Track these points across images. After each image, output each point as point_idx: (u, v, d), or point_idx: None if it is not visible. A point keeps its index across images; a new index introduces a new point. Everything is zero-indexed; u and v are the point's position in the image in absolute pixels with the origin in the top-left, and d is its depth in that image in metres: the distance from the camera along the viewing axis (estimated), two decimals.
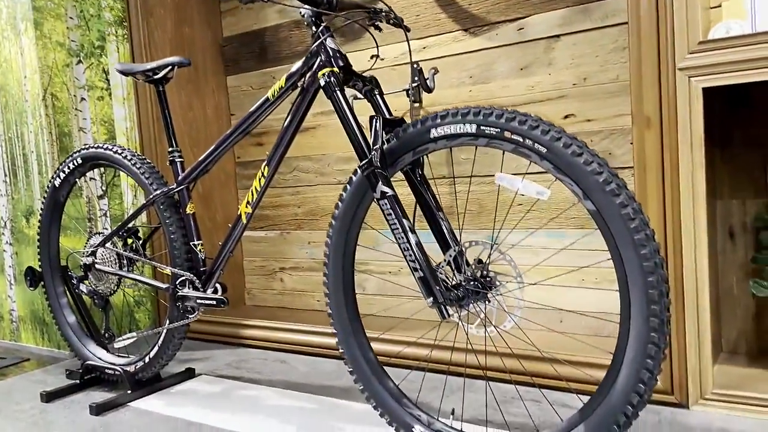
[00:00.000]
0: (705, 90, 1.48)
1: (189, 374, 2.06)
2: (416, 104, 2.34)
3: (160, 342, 1.83)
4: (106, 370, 1.96)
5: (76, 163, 1.98)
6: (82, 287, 1.95)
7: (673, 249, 1.56)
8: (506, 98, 2.16)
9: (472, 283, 1.31)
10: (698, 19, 1.47)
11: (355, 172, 1.41)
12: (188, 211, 1.75)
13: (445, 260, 1.34)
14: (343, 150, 2.56)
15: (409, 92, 2.33)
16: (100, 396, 1.92)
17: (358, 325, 1.48)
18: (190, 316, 1.73)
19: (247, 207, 1.61)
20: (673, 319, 1.57)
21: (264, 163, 1.57)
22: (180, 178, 1.76)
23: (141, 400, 1.88)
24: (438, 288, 1.25)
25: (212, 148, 1.68)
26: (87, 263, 1.93)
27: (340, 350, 1.49)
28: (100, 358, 2.01)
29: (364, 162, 1.31)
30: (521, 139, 1.18)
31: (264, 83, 2.78)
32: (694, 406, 1.57)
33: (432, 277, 1.26)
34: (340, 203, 1.44)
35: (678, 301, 1.56)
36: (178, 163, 1.78)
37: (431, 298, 1.25)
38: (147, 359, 1.86)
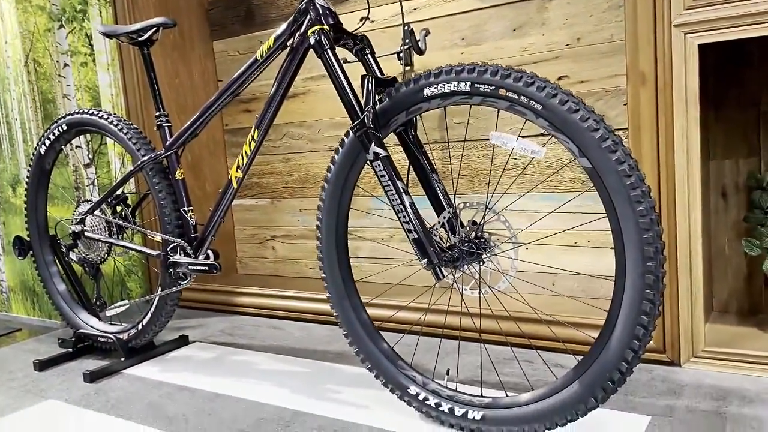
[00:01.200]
0: (700, 47, 1.46)
1: (183, 341, 2.06)
2: (407, 67, 2.31)
3: (152, 309, 1.82)
4: (99, 338, 1.95)
5: (61, 130, 1.94)
6: (72, 255, 1.93)
7: (666, 208, 1.55)
8: (499, 60, 2.13)
9: (466, 244, 1.30)
10: None
11: (346, 134, 1.39)
12: (177, 176, 1.73)
13: (439, 222, 1.33)
14: (334, 116, 2.53)
15: (400, 55, 2.29)
16: (93, 364, 1.92)
17: (352, 288, 1.47)
18: (182, 283, 1.71)
19: (237, 171, 1.59)
20: (666, 277, 1.58)
21: (254, 126, 1.54)
22: (168, 143, 1.73)
23: (135, 368, 1.88)
24: (433, 249, 1.24)
25: (200, 111, 1.64)
26: (76, 231, 1.90)
27: (335, 313, 1.48)
28: (92, 326, 2.00)
29: (356, 122, 1.29)
30: (516, 96, 1.16)
31: (251, 48, 2.73)
32: (685, 364, 1.58)
33: (426, 239, 1.25)
34: (331, 165, 1.42)
35: (671, 260, 1.56)
36: (166, 128, 1.75)
37: (426, 260, 1.24)
38: (140, 326, 1.85)
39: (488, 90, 1.19)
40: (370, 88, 1.30)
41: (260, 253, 2.94)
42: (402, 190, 1.26)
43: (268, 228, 2.88)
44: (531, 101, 1.14)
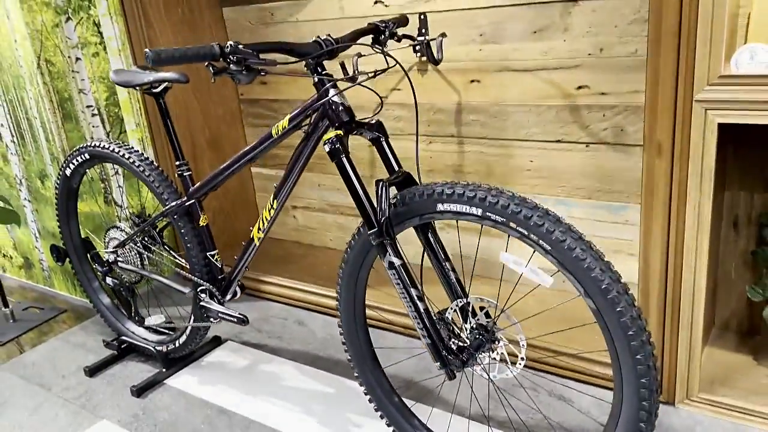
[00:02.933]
0: (720, 125, 1.44)
1: (216, 342, 2.23)
2: (423, 58, 2.25)
3: (187, 333, 1.97)
4: (140, 346, 2.13)
5: (84, 158, 1.98)
6: (108, 281, 2.05)
7: (673, 272, 1.61)
8: (518, 62, 2.08)
9: (476, 334, 1.39)
10: (720, 51, 1.38)
11: (357, 232, 1.44)
12: (201, 223, 1.80)
13: (451, 308, 1.41)
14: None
15: (417, 48, 2.23)
16: (137, 369, 2.12)
17: (380, 376, 1.61)
18: (212, 320, 1.84)
19: (258, 233, 1.65)
20: (667, 321, 1.67)
21: (272, 196, 1.59)
22: (190, 191, 1.78)
23: (175, 377, 2.07)
24: (445, 354, 1.34)
25: (219, 170, 1.68)
26: (110, 260, 2.01)
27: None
28: (133, 332, 2.17)
29: (371, 231, 1.34)
30: (526, 233, 1.19)
31: (262, 19, 2.64)
32: (679, 405, 1.72)
33: (441, 343, 1.34)
34: (343, 265, 1.49)
35: (675, 310, 1.64)
36: (187, 177, 1.79)
37: (439, 363, 1.34)
38: (177, 344, 2.02)
39: (499, 220, 1.22)
40: (384, 196, 1.33)
41: (282, 220, 3.04)
42: (417, 298, 1.33)
43: (289, 198, 2.95)
44: (540, 240, 1.18)
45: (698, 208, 1.52)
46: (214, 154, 2.82)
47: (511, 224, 1.20)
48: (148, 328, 2.13)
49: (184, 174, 1.78)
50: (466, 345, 1.37)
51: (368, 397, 1.62)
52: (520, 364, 1.36)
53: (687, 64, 1.43)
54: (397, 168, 1.43)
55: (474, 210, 1.24)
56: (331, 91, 1.37)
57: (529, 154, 2.19)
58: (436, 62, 2.09)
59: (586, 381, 1.84)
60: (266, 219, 1.61)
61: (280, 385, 1.98)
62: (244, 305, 2.53)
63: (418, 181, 1.41)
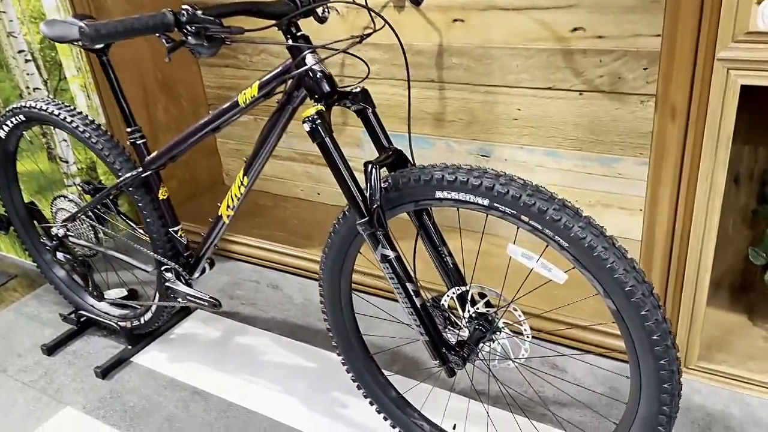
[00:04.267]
0: (743, 87, 1.29)
1: (185, 312, 2.08)
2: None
3: (152, 310, 1.81)
4: (102, 321, 1.96)
5: (19, 120, 1.73)
6: (59, 256, 1.86)
7: (679, 241, 1.50)
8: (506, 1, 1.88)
9: (475, 322, 1.27)
10: (750, 3, 1.22)
11: (342, 216, 1.28)
12: (161, 196, 1.60)
13: (448, 296, 1.29)
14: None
15: None
16: (100, 345, 1.97)
17: (373, 368, 1.49)
18: (179, 301, 1.69)
19: (228, 210, 1.48)
20: (670, 288, 1.58)
21: (242, 171, 1.40)
22: (146, 161, 1.57)
23: (142, 354, 1.93)
24: (444, 350, 1.22)
25: (178, 139, 1.48)
26: (59, 235, 1.81)
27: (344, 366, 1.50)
28: (93, 307, 2.00)
29: (362, 221, 1.18)
30: (540, 227, 1.05)
31: None
32: None
33: (439, 340, 1.22)
34: (327, 250, 1.33)
35: (678, 283, 1.56)
36: (141, 145, 1.57)
37: (438, 360, 1.23)
38: (142, 321, 1.86)
39: (508, 212, 1.07)
40: (374, 180, 1.16)
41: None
42: (412, 293, 1.20)
43: (251, 144, 2.74)
44: (556, 236, 1.04)
45: (711, 178, 1.40)
46: (168, 99, 2.57)
47: (523, 217, 1.06)
48: (108, 302, 1.96)
49: (138, 142, 1.56)
50: (465, 339, 1.25)
51: (362, 391, 1.51)
52: (523, 355, 1.26)
53: (711, 18, 1.26)
54: (387, 144, 1.26)
55: (479, 200, 1.09)
56: (310, 59, 1.16)
57: (516, 102, 2.02)
58: (418, 1, 1.87)
59: (579, 348, 1.77)
60: (236, 196, 1.43)
61: (258, 361, 1.86)
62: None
63: (411, 161, 1.25)
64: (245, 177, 1.39)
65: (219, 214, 1.49)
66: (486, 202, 1.09)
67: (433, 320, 1.22)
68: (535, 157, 2.08)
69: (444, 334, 1.24)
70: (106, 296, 1.93)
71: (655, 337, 1.03)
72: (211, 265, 1.67)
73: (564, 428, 1.52)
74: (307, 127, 1.16)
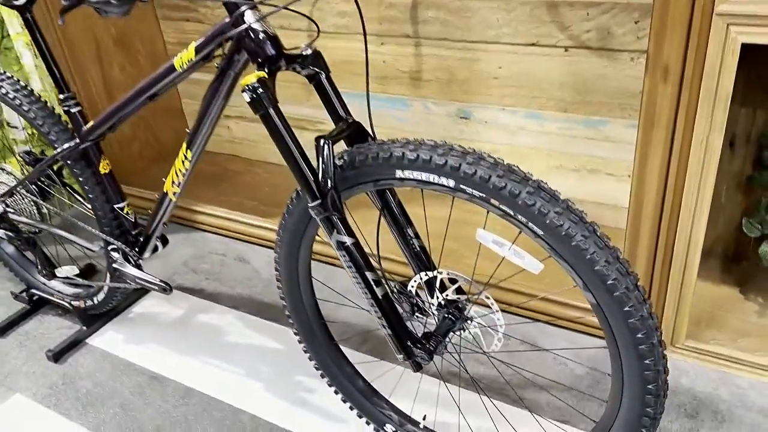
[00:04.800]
0: (743, 45, 1.15)
1: (145, 289, 1.95)
2: None
3: (105, 291, 1.68)
4: (55, 301, 1.84)
5: None
6: (0, 233, 1.71)
7: (669, 214, 1.38)
8: None
9: (444, 311, 1.16)
10: None
11: (296, 195, 1.14)
12: (102, 170, 1.45)
13: (415, 281, 1.17)
14: None
15: None
16: (54, 325, 1.85)
17: (336, 354, 1.38)
18: (128, 283, 1.56)
19: (173, 186, 1.34)
20: (657, 263, 1.47)
21: (185, 144, 1.26)
22: (83, 132, 1.41)
23: (98, 335, 1.81)
24: (410, 343, 1.11)
25: (113, 109, 1.32)
26: None
27: (304, 350, 1.39)
28: (44, 285, 1.87)
29: (314, 203, 1.04)
30: (511, 213, 0.93)
31: None
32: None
33: (403, 333, 1.10)
34: (281, 232, 1.20)
35: (666, 258, 1.44)
36: (76, 114, 1.41)
37: (403, 355, 1.11)
38: (95, 301, 1.74)
39: (477, 195, 0.94)
40: (327, 158, 1.02)
41: (215, 131, 2.67)
42: (373, 283, 1.07)
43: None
44: (530, 222, 0.92)
45: (706, 143, 1.26)
46: (125, 56, 2.39)
47: (493, 201, 0.93)
48: (60, 280, 1.83)
49: (72, 110, 1.41)
50: (433, 331, 1.14)
51: (327, 380, 1.40)
52: (497, 345, 1.15)
53: None
54: (344, 114, 1.11)
55: (444, 180, 0.96)
56: (249, 16, 1.01)
57: (497, 60, 1.87)
58: None
59: (559, 325, 1.67)
60: (180, 171, 1.29)
61: (222, 342, 1.75)
62: (176, 237, 2.23)
63: (371, 134, 1.10)
64: (188, 150, 1.25)
65: (164, 190, 1.35)
66: (451, 183, 0.95)
67: (396, 311, 1.10)
68: (517, 119, 1.93)
69: (409, 324, 1.12)
70: (57, 274, 1.80)
71: (639, 335, 0.91)
72: (164, 242, 1.54)
73: (543, 411, 1.43)
74: (246, 97, 1.01)
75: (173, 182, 1.32)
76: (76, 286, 1.81)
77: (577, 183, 1.94)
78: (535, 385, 1.50)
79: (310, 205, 1.04)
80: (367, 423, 1.39)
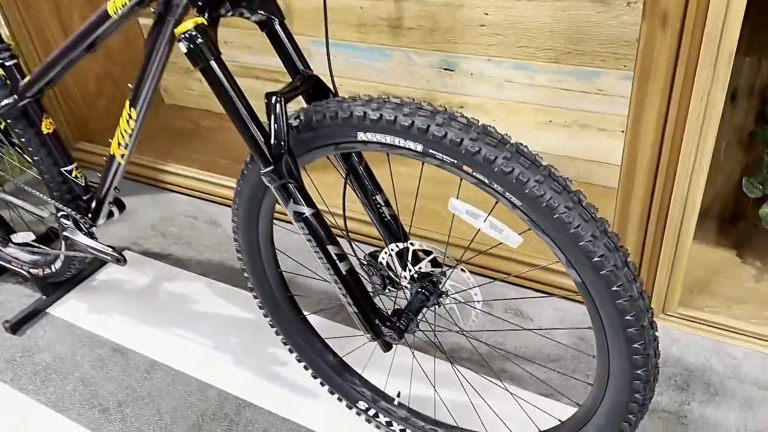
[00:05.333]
0: None
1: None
2: None
3: (61, 259, 1.58)
4: (12, 268, 1.73)
5: None
6: None
7: (665, 176, 1.27)
8: None
9: (417, 285, 1.06)
10: None
11: (245, 165, 1.03)
12: (45, 130, 1.32)
13: (386, 252, 1.07)
14: None
15: None
16: (14, 294, 1.76)
17: (304, 329, 1.28)
18: (81, 253, 1.45)
19: (120, 148, 1.21)
20: (651, 224, 1.37)
21: (128, 103, 1.13)
22: (20, 88, 1.28)
23: (59, 304, 1.71)
24: (378, 322, 1.01)
25: (48, 62, 1.19)
26: None
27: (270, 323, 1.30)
28: (0, 251, 1.76)
29: (266, 170, 0.92)
30: (486, 181, 0.81)
31: None
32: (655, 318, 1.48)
33: (371, 311, 1.01)
34: (235, 207, 1.08)
35: (660, 223, 1.34)
36: (12, 67, 1.27)
37: (371, 334, 1.02)
38: (53, 269, 1.63)
39: (447, 161, 0.83)
40: (279, 118, 0.90)
41: (186, 84, 2.53)
42: (336, 257, 0.97)
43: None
44: (507, 192, 0.81)
45: (707, 98, 1.15)
46: (88, 6, 2.21)
47: (465, 168, 0.82)
48: (16, 246, 1.72)
49: (7, 64, 1.27)
50: (403, 308, 1.04)
51: (295, 356, 1.31)
52: (474, 321, 1.06)
53: None
54: (301, 67, 0.98)
55: (411, 144, 0.84)
56: None
57: (483, 5, 1.72)
58: None
59: (543, 290, 1.58)
60: (125, 132, 1.16)
61: (189, 312, 1.66)
62: (145, 199, 2.12)
63: (332, 90, 0.98)
64: (132, 108, 1.12)
65: (111, 153, 1.22)
66: (419, 147, 0.84)
67: (362, 287, 1.00)
68: (504, 71, 1.80)
69: (377, 299, 1.03)
70: (13, 240, 1.68)
71: (628, 317, 0.82)
72: (120, 207, 1.43)
73: (527, 384, 1.35)
74: (183, 47, 0.88)
75: (119, 144, 1.19)
76: (34, 252, 1.70)
77: (567, 139, 1.82)
78: (518, 357, 1.42)
79: (262, 171, 0.93)
80: (339, 400, 1.31)
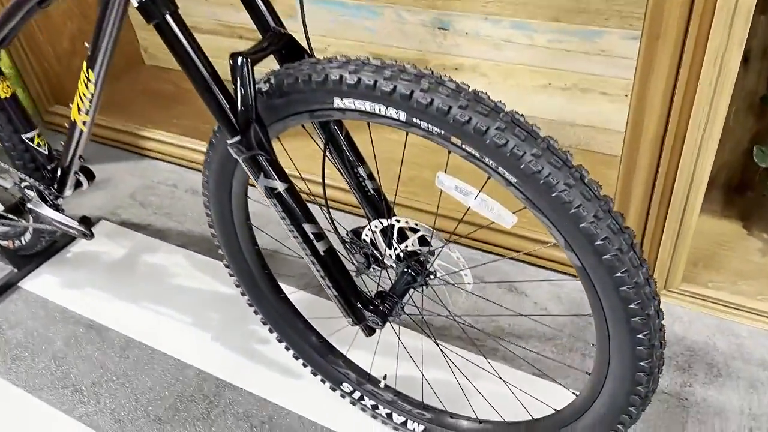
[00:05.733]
0: None
1: (85, 224, 1.75)
2: None
3: (30, 232, 1.49)
4: None
5: None
6: None
7: (671, 150, 1.18)
8: None
9: (403, 264, 0.98)
10: None
11: (214, 134, 0.93)
12: (3, 94, 1.22)
13: (370, 229, 0.98)
14: None
15: None
16: None
17: (285, 308, 1.21)
18: (47, 227, 1.36)
19: (81, 114, 1.11)
20: (656, 194, 1.28)
21: (84, 65, 1.03)
22: None
23: (31, 278, 1.63)
24: (360, 306, 0.93)
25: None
26: None
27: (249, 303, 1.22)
28: None
29: (233, 141, 0.83)
30: (477, 155, 0.72)
31: None
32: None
33: (353, 293, 0.93)
34: (206, 179, 0.99)
35: (665, 197, 1.26)
36: None
37: (351, 318, 0.94)
38: (23, 241, 1.55)
39: (434, 131, 0.73)
40: (244, 77, 0.80)
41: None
42: (313, 236, 0.88)
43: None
44: (500, 167, 0.72)
45: (721, 62, 1.05)
46: None
47: (454, 139, 0.72)
48: None
49: None
50: (387, 291, 0.96)
51: (276, 335, 1.24)
52: (464, 302, 0.98)
53: None
54: (273, 24, 0.88)
55: (393, 112, 0.75)
56: None
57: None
58: None
59: (538, 265, 1.51)
60: (84, 95, 1.07)
61: (168, 286, 1.58)
62: (123, 166, 2.02)
63: (307, 50, 0.88)
64: (90, 70, 1.02)
65: (72, 119, 1.13)
66: (402, 116, 0.74)
67: (342, 269, 0.92)
68: (502, 31, 1.69)
69: (360, 279, 0.95)
70: None
71: (632, 306, 0.74)
72: (89, 177, 1.33)
73: (520, 364, 1.28)
74: (134, 0, 0.77)
75: (80, 109, 1.09)
76: (3, 224, 1.61)
77: (567, 103, 1.72)
78: (511, 335, 1.35)
79: (228, 142, 0.83)
80: (323, 381, 1.24)
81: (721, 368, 1.26)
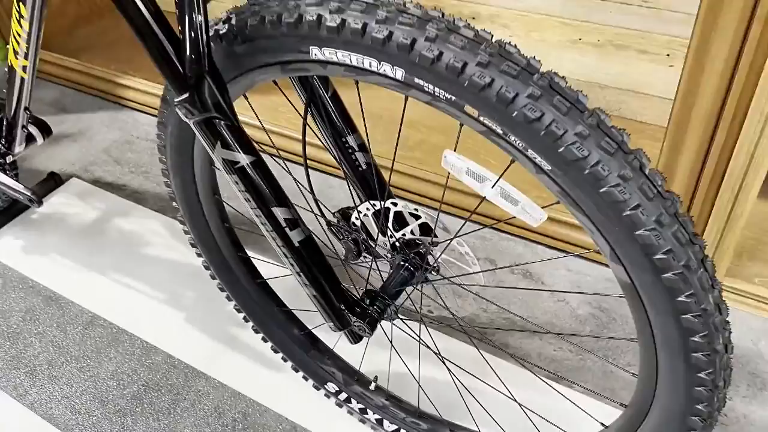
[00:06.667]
0: None
1: (53, 182, 1.59)
2: None
3: None
4: None
5: None
6: None
7: (724, 142, 0.98)
8: None
9: (400, 256, 0.81)
10: None
11: (166, 92, 0.74)
12: None
13: (360, 212, 0.80)
14: None
15: None
16: None
17: (263, 296, 1.03)
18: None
19: (18, 58, 0.92)
20: (707, 171, 1.09)
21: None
22: None
23: None
24: (344, 308, 0.76)
25: None
26: None
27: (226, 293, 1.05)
28: None
29: (180, 99, 0.64)
30: (500, 131, 0.53)
31: None
32: None
33: (336, 293, 0.75)
34: (162, 145, 0.80)
35: (711, 198, 1.06)
36: None
37: (333, 323, 0.77)
38: None
39: (443, 96, 0.54)
40: (192, 17, 0.61)
41: None
42: (285, 223, 0.70)
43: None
44: (529, 149, 0.53)
45: None
46: None
47: (469, 109, 0.53)
48: None
49: None
50: (378, 290, 0.78)
51: (252, 325, 1.07)
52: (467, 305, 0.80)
53: None
54: None
55: (389, 69, 0.55)
56: None
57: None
58: None
59: (556, 247, 1.32)
60: (19, 35, 0.87)
61: (141, 255, 1.41)
62: (100, 116, 1.83)
63: None
64: (21, 5, 0.82)
65: (9, 63, 0.94)
66: (400, 74, 0.55)
67: (323, 264, 0.73)
68: None
69: (347, 271, 0.77)
70: None
71: (696, 339, 0.56)
72: (45, 131, 1.15)
73: (534, 363, 1.11)
74: None
75: (16, 53, 0.90)
76: None
77: (599, 62, 1.50)
78: (525, 329, 1.18)
79: (175, 101, 0.64)
80: (305, 378, 1.08)
81: (766, 379, 1.09)
